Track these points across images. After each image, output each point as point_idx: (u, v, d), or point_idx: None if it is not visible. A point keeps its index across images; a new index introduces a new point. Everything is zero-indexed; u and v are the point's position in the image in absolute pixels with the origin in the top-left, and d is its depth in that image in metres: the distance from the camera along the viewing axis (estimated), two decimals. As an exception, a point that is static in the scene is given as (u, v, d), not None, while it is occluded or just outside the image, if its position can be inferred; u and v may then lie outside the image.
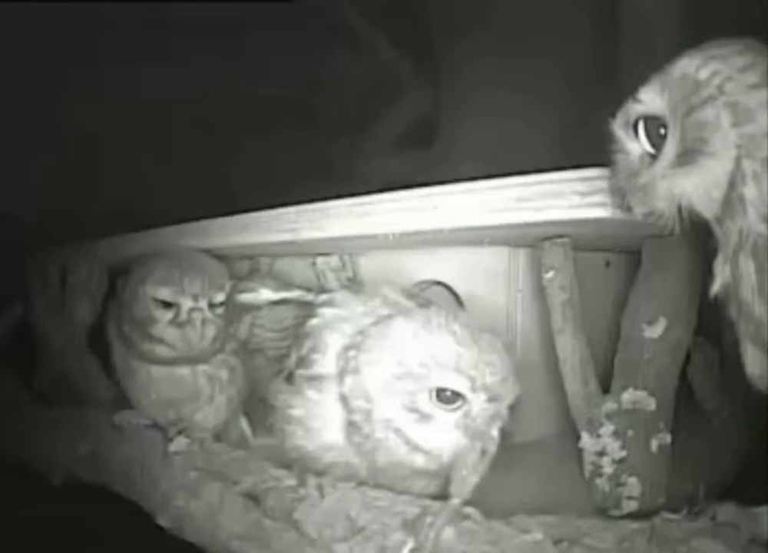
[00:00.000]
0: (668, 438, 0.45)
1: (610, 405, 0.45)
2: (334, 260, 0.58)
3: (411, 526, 0.37)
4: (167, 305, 0.52)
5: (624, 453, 0.44)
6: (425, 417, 0.37)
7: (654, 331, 0.45)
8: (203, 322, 0.52)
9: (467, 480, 0.37)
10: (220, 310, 0.53)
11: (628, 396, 0.45)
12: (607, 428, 0.45)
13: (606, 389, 0.46)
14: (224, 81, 0.87)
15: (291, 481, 0.43)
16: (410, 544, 0.36)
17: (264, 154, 0.89)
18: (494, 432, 0.37)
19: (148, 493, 0.52)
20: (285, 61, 0.88)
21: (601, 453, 0.45)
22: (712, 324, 0.46)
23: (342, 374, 0.40)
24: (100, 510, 0.59)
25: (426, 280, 0.55)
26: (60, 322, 0.73)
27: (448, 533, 0.35)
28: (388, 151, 0.90)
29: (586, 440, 0.45)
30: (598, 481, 0.45)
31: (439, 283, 0.54)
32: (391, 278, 0.56)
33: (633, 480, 0.44)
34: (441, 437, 0.37)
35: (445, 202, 0.42)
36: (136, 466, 0.55)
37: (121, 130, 0.83)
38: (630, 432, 0.44)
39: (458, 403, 0.37)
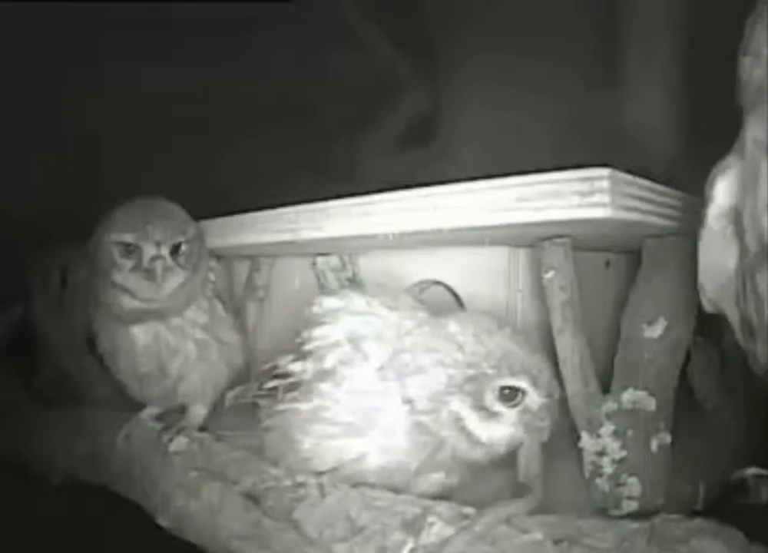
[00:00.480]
0: (668, 438, 0.45)
1: (610, 405, 0.45)
2: (334, 260, 0.58)
3: (411, 526, 0.37)
4: (129, 252, 0.52)
5: (624, 453, 0.44)
6: (491, 414, 0.39)
7: (654, 331, 0.45)
8: (166, 270, 0.52)
9: (530, 469, 0.40)
10: (182, 259, 0.53)
11: (628, 396, 0.45)
12: (607, 428, 0.45)
13: (606, 389, 0.45)
14: (224, 80, 0.87)
15: (290, 481, 0.43)
16: (410, 544, 0.36)
17: (264, 154, 0.90)
18: (548, 424, 0.40)
19: (148, 493, 0.52)
20: (285, 61, 0.88)
21: (601, 453, 0.45)
22: (712, 324, 0.46)
23: (400, 376, 0.41)
24: (100, 510, 0.59)
25: (426, 280, 0.55)
26: (60, 322, 0.73)
27: (449, 533, 0.36)
28: (388, 150, 0.90)
29: (586, 440, 0.45)
30: (598, 481, 0.45)
31: (439, 283, 0.54)
32: (391, 278, 0.56)
33: (633, 480, 0.44)
34: (503, 432, 0.39)
35: (445, 202, 0.42)
36: (136, 466, 0.55)
37: (121, 129, 0.83)
38: (630, 432, 0.44)
39: (518, 400, 0.39)
